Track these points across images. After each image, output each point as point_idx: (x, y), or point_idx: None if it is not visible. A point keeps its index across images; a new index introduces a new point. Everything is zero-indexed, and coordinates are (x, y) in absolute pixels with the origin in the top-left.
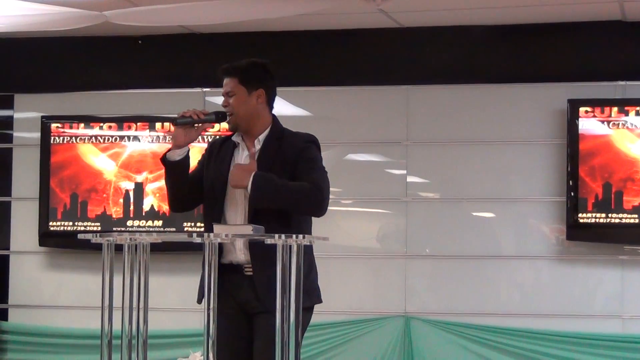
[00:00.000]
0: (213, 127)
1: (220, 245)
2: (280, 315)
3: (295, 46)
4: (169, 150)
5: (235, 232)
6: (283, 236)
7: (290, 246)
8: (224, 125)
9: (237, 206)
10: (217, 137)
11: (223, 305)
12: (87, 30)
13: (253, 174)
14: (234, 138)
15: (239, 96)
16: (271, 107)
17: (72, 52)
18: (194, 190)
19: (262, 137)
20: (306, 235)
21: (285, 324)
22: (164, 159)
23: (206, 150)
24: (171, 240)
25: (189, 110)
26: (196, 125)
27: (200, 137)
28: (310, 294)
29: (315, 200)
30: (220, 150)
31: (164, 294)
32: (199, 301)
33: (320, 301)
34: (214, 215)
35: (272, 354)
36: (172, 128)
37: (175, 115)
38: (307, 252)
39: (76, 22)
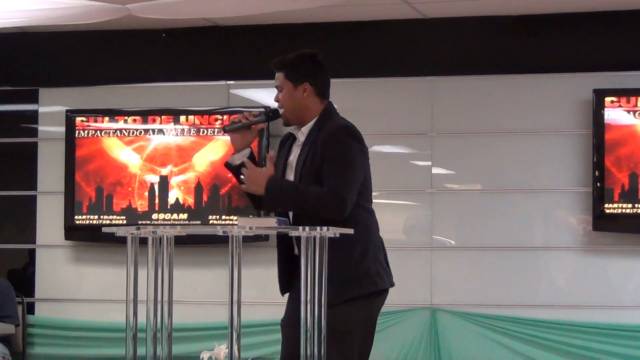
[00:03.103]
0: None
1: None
2: (304, 308)
3: (319, 38)
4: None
5: (258, 225)
6: (307, 228)
7: (321, 238)
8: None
9: None
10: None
11: (291, 293)
12: (111, 23)
13: (267, 180)
14: (291, 130)
15: (286, 91)
16: (323, 97)
17: (96, 46)
18: None
19: (305, 128)
20: (330, 228)
21: (310, 317)
22: (227, 164)
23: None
24: (195, 233)
25: (238, 115)
26: (252, 126)
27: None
28: (360, 281)
29: (334, 207)
30: (285, 144)
31: (189, 287)
32: (282, 293)
33: (377, 287)
34: None
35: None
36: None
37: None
38: (358, 238)
39: (99, 16)
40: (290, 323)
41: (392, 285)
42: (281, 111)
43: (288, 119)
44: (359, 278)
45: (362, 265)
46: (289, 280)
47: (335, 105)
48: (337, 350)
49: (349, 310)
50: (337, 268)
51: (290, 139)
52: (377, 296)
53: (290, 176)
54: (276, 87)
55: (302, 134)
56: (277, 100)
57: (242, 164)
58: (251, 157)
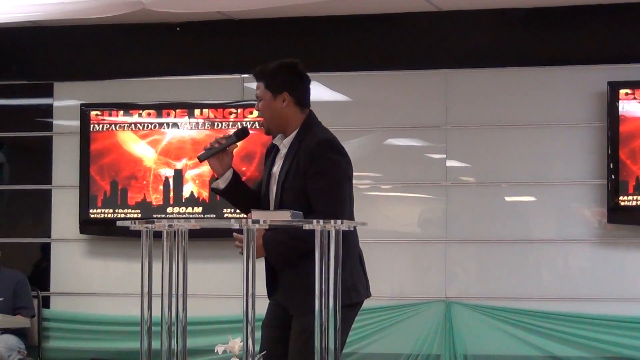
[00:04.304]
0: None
1: None
2: (319, 302)
3: (334, 31)
4: (216, 179)
5: (273, 218)
6: (321, 222)
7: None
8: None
9: (273, 201)
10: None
11: (278, 296)
12: (125, 17)
13: (262, 239)
14: (275, 141)
15: (265, 101)
16: (304, 106)
17: (110, 40)
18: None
19: (287, 140)
20: (345, 221)
21: (324, 310)
22: (213, 190)
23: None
24: (210, 226)
25: (210, 141)
26: (227, 148)
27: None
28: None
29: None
30: (270, 154)
31: (204, 281)
32: (269, 296)
33: (351, 302)
34: None
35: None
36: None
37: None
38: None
39: (114, 10)
40: (272, 323)
41: (369, 296)
42: (262, 122)
43: (269, 128)
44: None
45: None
46: (274, 283)
47: (350, 99)
48: (308, 352)
49: None
50: (314, 281)
51: (275, 148)
52: (351, 308)
53: (274, 187)
54: (256, 96)
55: (284, 146)
56: (257, 109)
57: (228, 186)
58: (235, 177)
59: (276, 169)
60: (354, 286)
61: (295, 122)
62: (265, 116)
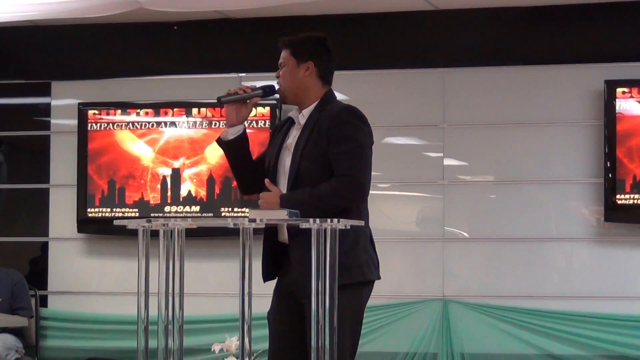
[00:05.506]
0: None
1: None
2: (316, 300)
3: (330, 30)
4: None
5: (269, 217)
6: (318, 220)
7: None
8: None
9: (285, 177)
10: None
11: (278, 285)
12: (123, 16)
13: (279, 198)
14: (290, 114)
15: (288, 67)
16: (325, 81)
17: (107, 39)
18: (260, 171)
19: (306, 111)
20: (341, 220)
21: (321, 309)
22: (218, 140)
23: (271, 131)
24: (207, 225)
25: (235, 88)
26: (247, 101)
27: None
28: (351, 270)
29: (352, 195)
30: (281, 129)
31: (200, 279)
32: (265, 280)
33: (365, 278)
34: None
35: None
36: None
37: (221, 95)
38: (351, 226)
39: (111, 9)
40: (280, 319)
41: (379, 277)
42: (277, 87)
43: (285, 95)
44: (349, 267)
45: (352, 254)
46: (273, 268)
47: (348, 97)
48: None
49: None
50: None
51: (288, 123)
52: (365, 286)
53: (287, 159)
54: (279, 64)
55: (302, 117)
56: (277, 76)
57: (236, 139)
58: (243, 134)
59: (291, 140)
60: (367, 263)
61: (314, 94)
62: (285, 83)
